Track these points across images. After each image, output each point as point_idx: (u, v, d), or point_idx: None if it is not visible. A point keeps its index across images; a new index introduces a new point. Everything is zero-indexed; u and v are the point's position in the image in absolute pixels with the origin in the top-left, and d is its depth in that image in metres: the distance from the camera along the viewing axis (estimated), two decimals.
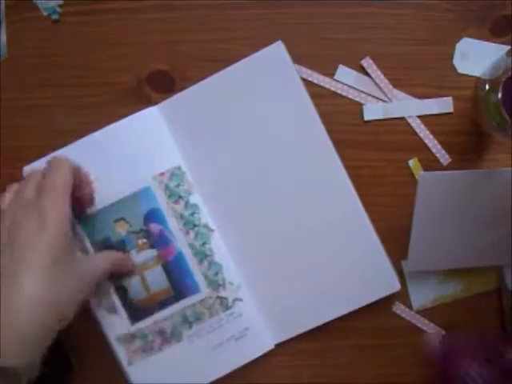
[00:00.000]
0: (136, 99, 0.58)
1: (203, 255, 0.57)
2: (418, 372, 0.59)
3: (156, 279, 0.57)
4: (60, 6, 0.58)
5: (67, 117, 0.58)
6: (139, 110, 0.57)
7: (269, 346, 0.58)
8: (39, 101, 0.58)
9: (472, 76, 0.58)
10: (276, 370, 0.59)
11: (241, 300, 0.57)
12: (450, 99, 0.58)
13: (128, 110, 0.57)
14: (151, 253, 0.57)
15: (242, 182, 0.57)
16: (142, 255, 0.57)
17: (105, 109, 0.58)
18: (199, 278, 0.57)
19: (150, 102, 0.58)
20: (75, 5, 0.58)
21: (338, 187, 0.57)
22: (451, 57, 0.58)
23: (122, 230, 0.56)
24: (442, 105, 0.58)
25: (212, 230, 0.57)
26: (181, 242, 0.56)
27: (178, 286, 0.57)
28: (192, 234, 0.57)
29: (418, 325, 0.59)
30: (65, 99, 0.58)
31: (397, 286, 0.57)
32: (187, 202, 0.57)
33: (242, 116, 0.57)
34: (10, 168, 0.57)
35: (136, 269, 0.57)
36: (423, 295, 0.59)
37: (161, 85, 0.58)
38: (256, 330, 0.57)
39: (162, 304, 0.57)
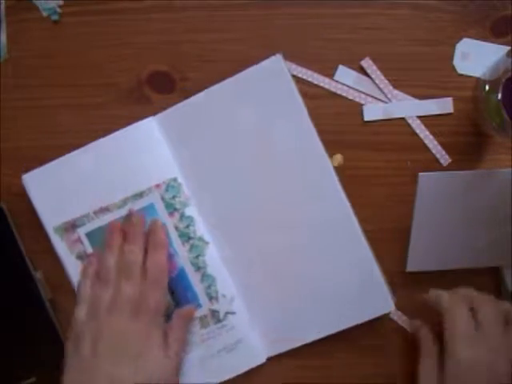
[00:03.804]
0: (136, 100, 0.58)
1: (196, 267, 0.56)
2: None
3: None
4: (60, 6, 0.58)
5: (67, 117, 0.58)
6: (139, 110, 0.57)
7: (261, 359, 0.57)
8: (39, 101, 0.58)
9: (472, 76, 0.58)
10: (276, 369, 0.59)
11: (233, 313, 0.57)
12: (450, 100, 0.58)
13: (128, 110, 0.57)
14: None
15: (238, 194, 0.57)
16: None
17: (105, 109, 0.58)
18: (201, 294, 0.56)
19: (149, 103, 0.58)
20: (75, 5, 0.58)
21: (334, 203, 0.57)
22: (451, 57, 0.58)
23: None
24: (441, 105, 0.58)
25: (207, 243, 0.57)
26: (183, 258, 0.56)
27: (181, 302, 0.57)
28: (187, 247, 0.56)
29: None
30: (65, 100, 0.58)
31: (390, 306, 0.57)
32: (182, 215, 0.56)
33: (239, 128, 0.57)
34: (10, 168, 0.57)
35: None
36: None
37: (161, 85, 0.58)
38: (248, 343, 0.57)
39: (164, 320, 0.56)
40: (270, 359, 0.58)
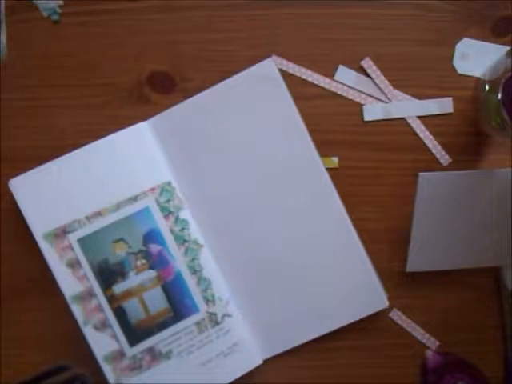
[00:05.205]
0: (136, 100, 0.58)
1: (193, 271, 0.56)
2: (415, 372, 0.60)
3: (155, 300, 0.56)
4: (60, 6, 0.58)
5: (67, 117, 0.58)
6: (139, 110, 0.57)
7: (257, 361, 0.58)
8: (39, 101, 0.58)
9: (472, 76, 0.58)
10: (275, 370, 0.59)
11: (230, 316, 0.57)
12: (449, 100, 0.58)
13: (128, 110, 0.57)
14: (150, 273, 0.56)
15: (232, 197, 0.57)
16: (141, 276, 0.56)
17: (105, 109, 0.58)
18: (198, 298, 0.56)
19: (149, 103, 0.58)
20: (75, 6, 0.58)
21: (328, 205, 0.57)
22: (451, 57, 0.58)
23: (121, 251, 0.56)
24: (441, 105, 0.58)
25: (201, 246, 0.57)
26: (179, 261, 0.56)
27: (178, 306, 0.56)
28: (182, 250, 0.56)
29: (414, 333, 0.59)
30: (65, 100, 0.58)
31: (384, 303, 0.57)
32: (177, 218, 0.56)
33: (232, 132, 0.57)
34: (10, 168, 0.57)
35: (134, 291, 0.56)
36: None
37: (161, 85, 0.58)
38: (245, 346, 0.57)
39: (161, 325, 0.56)
40: (267, 360, 0.58)
